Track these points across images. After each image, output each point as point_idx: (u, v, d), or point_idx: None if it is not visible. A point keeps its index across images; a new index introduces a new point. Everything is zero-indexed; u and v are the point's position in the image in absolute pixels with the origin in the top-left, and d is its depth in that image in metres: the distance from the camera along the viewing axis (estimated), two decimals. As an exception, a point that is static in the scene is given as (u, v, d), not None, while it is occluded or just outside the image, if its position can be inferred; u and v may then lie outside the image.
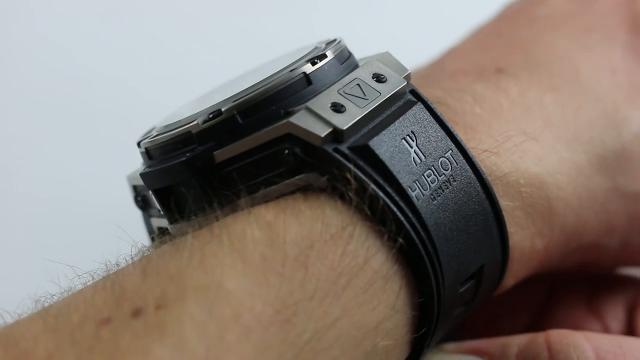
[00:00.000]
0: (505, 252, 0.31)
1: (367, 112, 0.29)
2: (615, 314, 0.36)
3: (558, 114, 0.33)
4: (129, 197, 0.34)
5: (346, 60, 0.31)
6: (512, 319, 0.38)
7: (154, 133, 0.31)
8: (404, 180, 0.28)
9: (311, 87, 0.29)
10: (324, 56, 0.30)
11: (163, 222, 0.32)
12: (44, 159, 0.52)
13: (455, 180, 0.29)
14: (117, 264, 0.28)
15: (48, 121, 0.53)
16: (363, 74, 0.30)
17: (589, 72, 0.35)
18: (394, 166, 0.28)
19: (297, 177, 0.28)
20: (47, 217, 0.49)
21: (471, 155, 0.30)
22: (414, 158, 0.29)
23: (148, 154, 0.31)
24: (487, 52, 0.36)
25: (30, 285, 0.29)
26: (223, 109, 0.29)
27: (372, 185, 0.28)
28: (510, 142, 0.32)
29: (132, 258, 0.28)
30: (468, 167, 0.30)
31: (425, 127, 0.30)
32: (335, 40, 0.32)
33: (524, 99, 0.34)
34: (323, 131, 0.28)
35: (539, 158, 0.32)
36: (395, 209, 0.28)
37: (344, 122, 0.28)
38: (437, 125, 0.30)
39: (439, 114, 0.30)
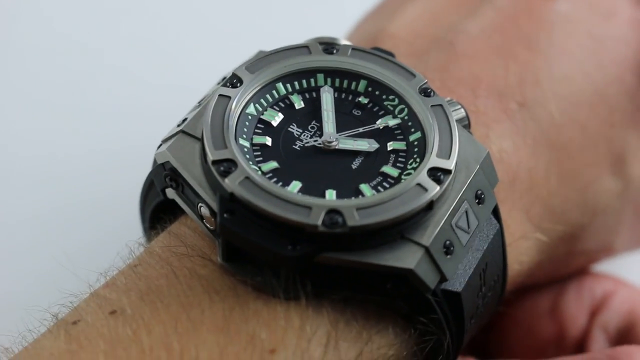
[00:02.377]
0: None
1: (467, 250, 0.30)
2: (577, 318, 0.38)
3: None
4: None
5: None
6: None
7: (251, 196, 0.28)
8: (467, 326, 0.30)
9: (430, 213, 0.29)
10: (448, 172, 0.29)
11: (187, 210, 0.30)
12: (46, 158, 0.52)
13: (488, 304, 0.32)
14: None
15: (49, 120, 0.53)
16: (470, 196, 0.30)
17: None
18: (467, 313, 0.30)
19: (383, 299, 0.28)
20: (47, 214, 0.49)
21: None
22: (478, 294, 0.30)
23: (234, 199, 0.28)
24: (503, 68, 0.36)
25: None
26: (349, 224, 0.27)
27: (447, 339, 0.29)
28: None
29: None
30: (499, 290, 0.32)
31: (495, 255, 0.31)
32: (451, 127, 0.30)
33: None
34: (433, 282, 0.28)
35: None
36: None
37: (451, 270, 0.29)
38: (502, 253, 0.31)
39: (504, 239, 0.32)
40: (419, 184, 0.29)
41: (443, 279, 0.29)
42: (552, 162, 0.35)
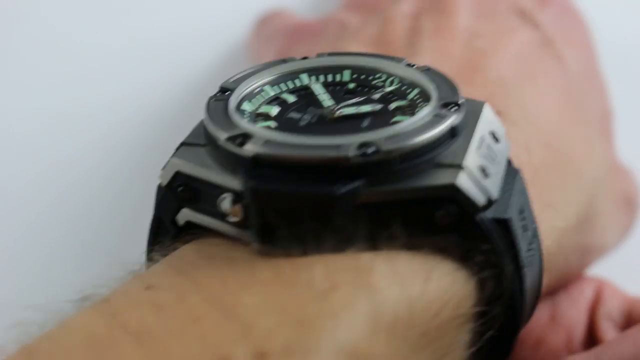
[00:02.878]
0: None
1: (502, 179, 0.29)
2: (578, 319, 0.38)
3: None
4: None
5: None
6: None
7: (276, 150, 0.27)
8: (524, 261, 0.29)
9: (455, 139, 0.28)
10: (459, 105, 0.29)
11: (205, 221, 0.29)
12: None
13: (534, 256, 0.30)
14: None
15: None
16: (485, 132, 0.30)
17: None
18: (520, 245, 0.29)
19: (437, 237, 0.27)
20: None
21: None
22: (525, 234, 0.30)
23: (258, 163, 0.27)
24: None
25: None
26: (383, 149, 0.27)
27: (508, 268, 0.28)
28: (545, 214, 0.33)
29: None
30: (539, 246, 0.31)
31: (525, 201, 0.30)
32: (448, 79, 0.31)
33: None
34: (482, 200, 0.27)
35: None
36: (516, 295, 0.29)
37: (494, 190, 0.28)
38: (529, 201, 0.31)
39: (527, 188, 0.31)
40: (436, 115, 0.29)
41: (489, 200, 0.28)
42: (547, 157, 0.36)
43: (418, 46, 0.39)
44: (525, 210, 0.30)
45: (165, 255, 0.29)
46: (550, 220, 0.34)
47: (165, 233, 0.30)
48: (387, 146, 0.27)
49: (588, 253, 0.39)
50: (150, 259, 0.30)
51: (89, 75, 0.54)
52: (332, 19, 0.45)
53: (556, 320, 0.38)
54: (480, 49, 0.39)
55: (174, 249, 0.29)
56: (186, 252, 0.28)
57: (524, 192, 0.31)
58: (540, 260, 0.31)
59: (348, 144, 0.27)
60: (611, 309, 0.38)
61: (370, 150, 0.27)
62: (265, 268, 0.26)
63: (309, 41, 0.44)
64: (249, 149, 0.27)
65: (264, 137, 0.28)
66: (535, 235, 0.31)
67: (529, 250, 0.30)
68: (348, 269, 0.26)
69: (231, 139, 0.28)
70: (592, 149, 0.39)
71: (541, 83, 0.39)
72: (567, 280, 0.39)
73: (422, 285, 0.27)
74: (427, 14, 0.41)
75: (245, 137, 0.28)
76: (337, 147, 0.27)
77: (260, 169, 0.27)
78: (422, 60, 0.35)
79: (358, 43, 0.39)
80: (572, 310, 0.38)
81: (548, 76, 0.40)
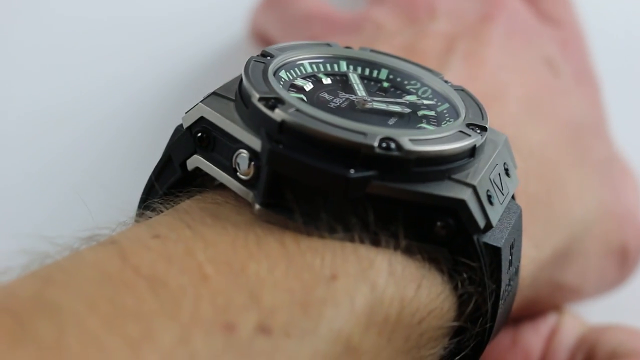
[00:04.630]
0: None
1: (503, 210, 0.30)
2: (536, 345, 0.40)
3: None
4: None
5: None
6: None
7: (304, 121, 0.27)
8: (503, 289, 0.30)
9: (472, 160, 0.29)
10: (483, 129, 0.30)
11: (214, 171, 0.29)
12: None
13: (510, 293, 0.31)
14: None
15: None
16: (499, 162, 0.31)
17: None
18: (504, 275, 0.29)
19: (430, 246, 0.28)
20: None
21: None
22: (510, 269, 0.30)
23: (283, 128, 0.27)
24: None
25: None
26: (406, 148, 0.27)
27: (489, 291, 0.29)
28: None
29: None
30: (516, 284, 0.32)
31: (518, 238, 0.31)
32: (478, 103, 0.32)
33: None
34: (482, 222, 0.28)
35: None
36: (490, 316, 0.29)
37: (494, 217, 0.29)
38: (521, 239, 0.32)
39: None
40: (461, 131, 0.29)
41: (488, 225, 0.28)
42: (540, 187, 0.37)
43: (447, 64, 0.40)
44: (515, 246, 0.31)
45: (163, 204, 0.29)
46: (528, 251, 0.35)
47: (172, 173, 0.30)
48: (409, 146, 0.27)
49: (560, 290, 0.41)
50: (148, 206, 0.30)
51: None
52: (368, 18, 0.46)
53: (516, 345, 0.40)
54: (503, 81, 0.40)
55: (175, 202, 0.29)
56: (190, 207, 0.28)
57: (519, 230, 0.31)
58: (513, 298, 0.32)
59: (374, 133, 0.27)
60: (567, 337, 0.39)
61: (392, 145, 0.27)
62: (270, 239, 0.27)
63: (344, 34, 0.45)
64: (279, 113, 0.28)
65: (295, 106, 0.28)
66: (516, 274, 0.32)
67: (508, 285, 0.31)
68: (350, 261, 0.27)
69: (263, 99, 0.28)
70: (586, 193, 0.40)
71: (551, 124, 0.40)
72: (534, 311, 0.40)
73: (414, 290, 0.28)
74: (462, 38, 0.42)
75: (277, 101, 0.28)
76: (364, 134, 0.27)
77: (284, 135, 0.27)
78: (448, 78, 0.36)
79: (391, 47, 0.40)
80: (533, 337, 0.40)
81: (559, 121, 0.41)
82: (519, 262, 0.32)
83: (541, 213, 0.37)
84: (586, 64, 0.47)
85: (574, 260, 0.40)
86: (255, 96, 0.28)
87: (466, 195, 0.28)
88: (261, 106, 0.28)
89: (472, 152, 0.29)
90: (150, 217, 0.29)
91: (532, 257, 0.35)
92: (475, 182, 0.28)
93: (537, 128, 0.39)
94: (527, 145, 0.37)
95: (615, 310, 0.44)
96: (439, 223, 0.28)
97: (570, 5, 0.48)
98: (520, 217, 0.31)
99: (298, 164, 0.27)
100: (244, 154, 0.28)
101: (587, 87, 0.45)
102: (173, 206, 0.29)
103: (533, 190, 0.36)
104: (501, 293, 0.29)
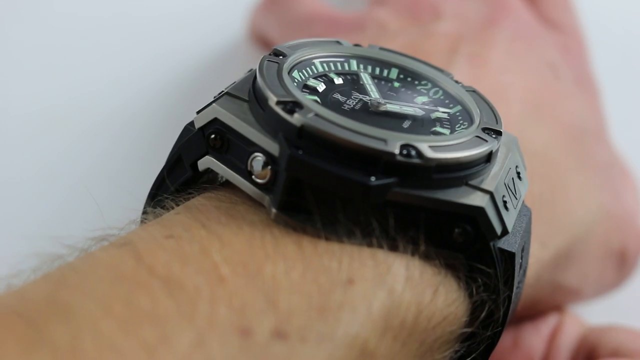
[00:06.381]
0: None
1: (517, 215, 0.30)
2: (538, 346, 0.40)
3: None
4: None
5: None
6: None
7: (324, 126, 0.27)
8: (515, 293, 0.30)
9: (488, 165, 0.29)
10: (498, 133, 0.30)
11: (228, 173, 0.28)
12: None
13: (518, 294, 0.31)
14: None
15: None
16: (513, 166, 0.31)
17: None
18: (516, 279, 0.29)
19: (447, 252, 0.28)
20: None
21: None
22: (520, 271, 0.30)
23: (302, 134, 0.27)
24: None
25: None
26: (426, 155, 0.27)
27: (503, 297, 0.29)
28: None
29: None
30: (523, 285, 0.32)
31: (528, 241, 0.31)
32: (491, 105, 0.32)
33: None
34: (499, 229, 0.28)
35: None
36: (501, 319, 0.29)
37: (510, 223, 0.29)
38: (530, 242, 0.32)
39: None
40: (477, 137, 0.29)
41: (504, 231, 0.28)
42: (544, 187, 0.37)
43: (450, 65, 0.40)
44: (525, 249, 0.31)
45: (174, 200, 0.29)
46: (534, 251, 0.35)
47: (182, 173, 0.30)
48: (429, 154, 0.27)
49: (560, 290, 0.41)
50: (158, 203, 0.29)
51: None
52: (370, 17, 0.45)
53: (518, 346, 0.40)
54: (507, 83, 0.40)
55: (186, 199, 0.29)
56: (204, 205, 0.28)
57: (529, 233, 0.31)
58: (519, 299, 0.32)
59: (394, 140, 0.27)
60: (568, 338, 0.40)
61: (412, 152, 0.27)
62: (287, 241, 0.27)
63: (346, 34, 0.44)
64: (298, 118, 0.27)
65: (314, 110, 0.28)
66: (524, 275, 0.32)
67: (517, 288, 0.31)
68: (368, 265, 0.27)
69: (281, 103, 0.28)
70: (587, 195, 0.40)
71: (553, 127, 0.40)
72: (534, 311, 0.40)
73: (431, 295, 0.27)
74: (466, 40, 0.42)
75: (294, 105, 0.28)
76: (384, 140, 0.27)
77: (303, 141, 0.27)
78: None
79: (395, 47, 0.39)
80: (534, 338, 0.40)
81: (561, 124, 0.41)
82: (527, 264, 0.32)
83: (546, 213, 0.37)
84: (586, 69, 0.47)
85: (574, 262, 0.40)
86: (273, 99, 0.28)
87: (484, 202, 0.28)
88: (279, 110, 0.27)
89: (488, 158, 0.29)
90: (161, 215, 0.28)
91: (537, 257, 0.35)
92: (492, 189, 0.28)
93: (539, 130, 0.39)
94: (530, 146, 0.37)
95: (616, 311, 0.45)
96: (456, 230, 0.28)
97: (572, 10, 0.49)
98: (530, 220, 0.32)
99: (318, 170, 0.27)
100: (259, 157, 0.28)
101: (588, 92, 0.46)
102: (184, 203, 0.29)
103: (537, 190, 0.37)
104: (514, 296, 0.30)
